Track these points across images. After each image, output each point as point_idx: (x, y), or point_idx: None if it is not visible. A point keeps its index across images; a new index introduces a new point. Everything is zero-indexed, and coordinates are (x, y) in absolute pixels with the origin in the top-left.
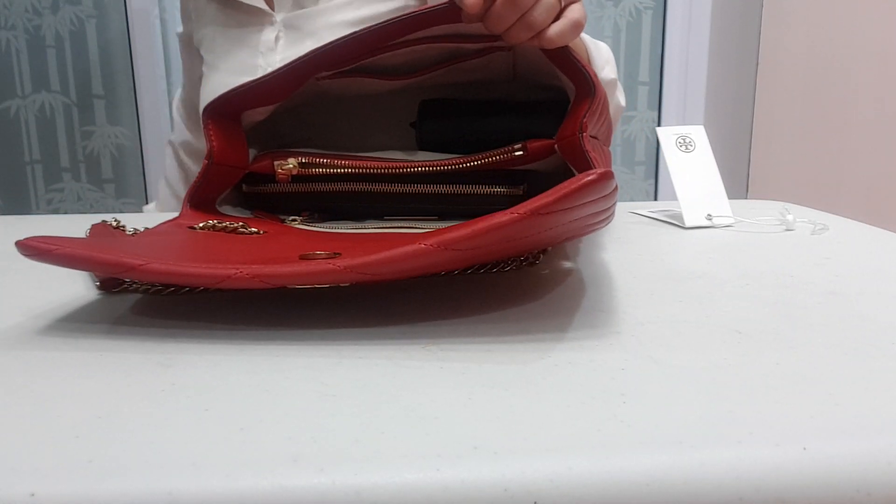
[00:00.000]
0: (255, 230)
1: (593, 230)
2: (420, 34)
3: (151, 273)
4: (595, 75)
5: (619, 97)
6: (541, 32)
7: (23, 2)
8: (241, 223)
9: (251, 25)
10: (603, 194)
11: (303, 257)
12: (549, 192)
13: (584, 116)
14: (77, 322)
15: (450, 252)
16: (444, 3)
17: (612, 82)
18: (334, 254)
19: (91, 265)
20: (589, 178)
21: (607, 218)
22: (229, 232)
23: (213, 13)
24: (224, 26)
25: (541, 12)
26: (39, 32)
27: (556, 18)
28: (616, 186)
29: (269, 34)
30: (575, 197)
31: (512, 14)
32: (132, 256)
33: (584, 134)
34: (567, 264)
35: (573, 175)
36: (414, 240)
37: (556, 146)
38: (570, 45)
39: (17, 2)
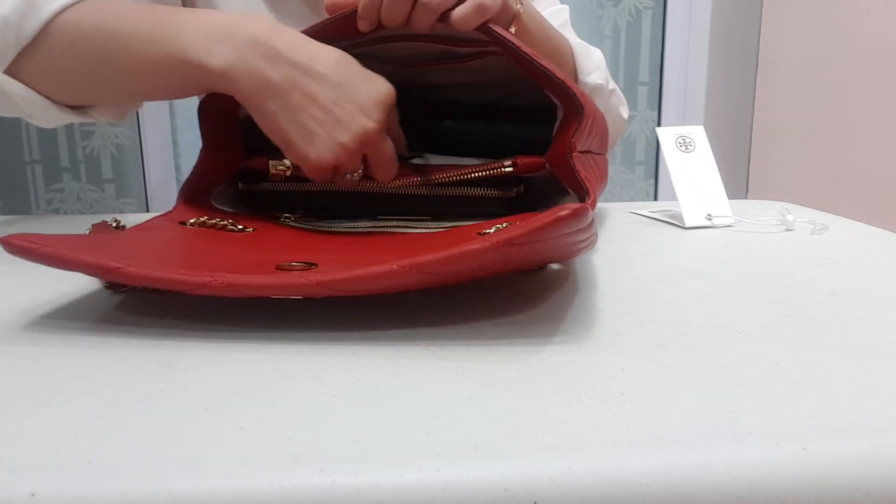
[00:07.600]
0: (243, 227)
1: (574, 255)
2: (408, 32)
3: (128, 276)
4: (582, 94)
5: (621, 110)
6: (445, 15)
7: None
8: (230, 220)
9: None
10: (578, 228)
11: (279, 268)
12: (523, 223)
13: (573, 136)
14: (78, 322)
15: (421, 275)
16: (348, 12)
17: (597, 88)
18: (310, 264)
19: (71, 265)
20: (562, 213)
21: (588, 245)
22: (218, 229)
23: None
24: None
25: None
26: None
27: (462, 1)
28: (593, 219)
29: None
30: (546, 231)
31: (403, 4)
32: (111, 258)
33: (574, 154)
34: (567, 265)
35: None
36: (388, 259)
37: (546, 165)
38: (553, 50)
39: None
